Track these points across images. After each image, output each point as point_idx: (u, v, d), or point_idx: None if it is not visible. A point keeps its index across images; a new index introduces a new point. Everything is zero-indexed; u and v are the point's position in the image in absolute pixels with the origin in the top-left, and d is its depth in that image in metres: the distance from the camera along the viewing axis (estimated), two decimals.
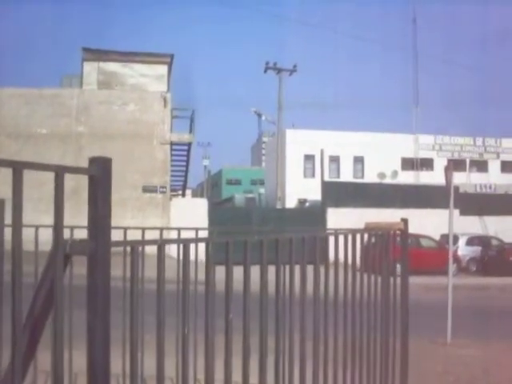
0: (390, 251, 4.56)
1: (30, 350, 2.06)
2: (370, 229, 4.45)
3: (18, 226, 1.68)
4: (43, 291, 2.02)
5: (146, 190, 23.50)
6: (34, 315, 2.03)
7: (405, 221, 4.72)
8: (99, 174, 1.83)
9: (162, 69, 25.03)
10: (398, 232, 4.68)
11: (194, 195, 59.75)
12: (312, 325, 3.63)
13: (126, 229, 3.96)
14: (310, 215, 27.48)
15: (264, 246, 2.93)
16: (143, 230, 4.32)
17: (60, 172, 1.74)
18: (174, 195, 27.89)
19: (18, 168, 1.64)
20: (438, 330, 9.39)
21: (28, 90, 23.65)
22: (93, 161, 1.84)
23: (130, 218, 20.75)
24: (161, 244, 2.09)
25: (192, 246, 2.46)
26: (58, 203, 1.75)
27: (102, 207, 1.81)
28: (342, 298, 4.11)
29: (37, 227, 4.44)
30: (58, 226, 1.76)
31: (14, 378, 1.75)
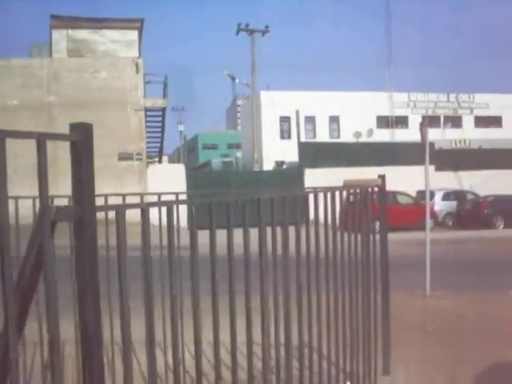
0: (369, 208, 4.63)
1: (21, 318, 2.09)
2: (348, 186, 4.52)
3: (3, 196, 1.69)
4: (30, 259, 2.04)
5: (121, 157, 23.30)
6: (23, 285, 2.05)
7: (382, 177, 4.80)
8: (81, 140, 1.84)
9: (133, 34, 24.59)
10: (375, 188, 4.75)
11: (171, 161, 59.48)
12: (295, 283, 3.71)
13: (106, 196, 3.95)
14: (288, 177, 27.59)
15: (246, 207, 2.98)
16: (124, 196, 4.33)
17: (42, 139, 1.74)
18: (151, 162, 27.76)
19: (0, 137, 1.64)
20: (417, 284, 9.60)
21: None
22: (74, 127, 1.85)
23: (107, 186, 20.53)
24: (144, 207, 2.11)
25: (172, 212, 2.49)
26: (41, 170, 1.76)
27: (86, 172, 1.82)
28: (325, 256, 4.20)
29: (17, 199, 4.42)
30: (42, 193, 1.78)
31: (7, 348, 1.77)
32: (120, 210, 1.99)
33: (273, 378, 3.67)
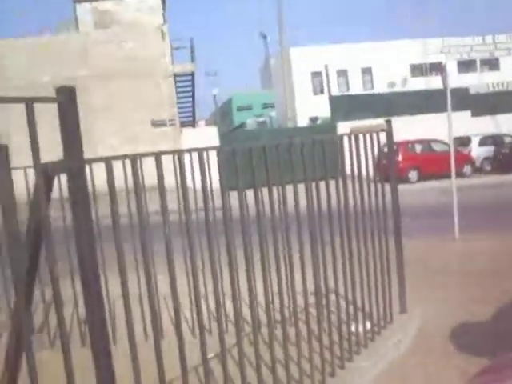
0: (373, 154, 4.77)
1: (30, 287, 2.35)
2: (354, 132, 4.65)
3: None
4: (34, 216, 2.29)
5: (155, 124, 23.60)
6: (32, 232, 2.31)
7: (388, 122, 4.91)
8: (66, 101, 2.06)
9: (156, 1, 24.61)
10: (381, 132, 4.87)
11: (208, 125, 59.60)
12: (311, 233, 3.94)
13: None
14: (321, 132, 27.50)
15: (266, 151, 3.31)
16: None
17: (29, 103, 1.97)
18: (185, 126, 28.05)
19: None
20: (451, 228, 9.57)
21: (26, 40, 23.45)
22: (59, 90, 2.07)
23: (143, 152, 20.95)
24: (133, 158, 2.34)
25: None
26: (32, 132, 1.98)
27: (72, 129, 2.05)
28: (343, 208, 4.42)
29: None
30: (35, 154, 2.00)
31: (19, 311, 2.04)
32: (107, 162, 2.22)
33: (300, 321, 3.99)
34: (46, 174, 2.11)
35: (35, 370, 2.01)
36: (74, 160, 2.04)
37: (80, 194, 2.05)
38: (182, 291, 4.06)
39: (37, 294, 5.50)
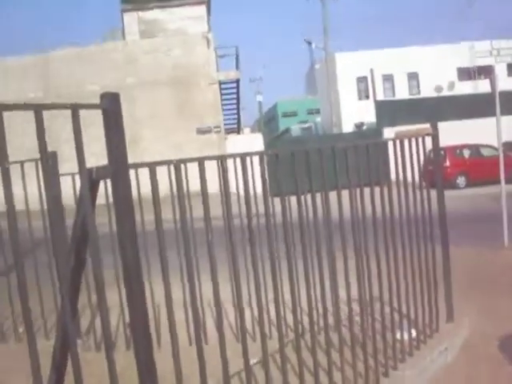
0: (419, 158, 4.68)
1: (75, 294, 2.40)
2: (399, 136, 4.58)
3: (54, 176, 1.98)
4: (80, 219, 2.34)
5: (200, 131, 23.83)
6: (76, 239, 2.36)
7: (434, 125, 4.83)
8: (110, 107, 2.09)
9: (201, 9, 24.88)
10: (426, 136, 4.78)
11: (253, 132, 59.89)
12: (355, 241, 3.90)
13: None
14: (367, 137, 27.27)
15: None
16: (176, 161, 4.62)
17: (75, 109, 2.01)
18: (230, 132, 28.23)
19: (38, 110, 1.92)
20: (500, 236, 9.34)
21: (74, 50, 24.05)
22: (103, 96, 2.10)
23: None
24: (176, 164, 2.36)
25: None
26: (77, 136, 2.03)
27: (116, 135, 2.08)
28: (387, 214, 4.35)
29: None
30: (80, 158, 2.04)
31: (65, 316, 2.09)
32: (151, 167, 2.25)
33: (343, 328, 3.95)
34: (90, 179, 2.16)
35: (79, 369, 2.04)
36: (118, 165, 2.07)
37: (124, 199, 2.08)
38: (226, 298, 4.06)
39: (84, 298, 5.61)
